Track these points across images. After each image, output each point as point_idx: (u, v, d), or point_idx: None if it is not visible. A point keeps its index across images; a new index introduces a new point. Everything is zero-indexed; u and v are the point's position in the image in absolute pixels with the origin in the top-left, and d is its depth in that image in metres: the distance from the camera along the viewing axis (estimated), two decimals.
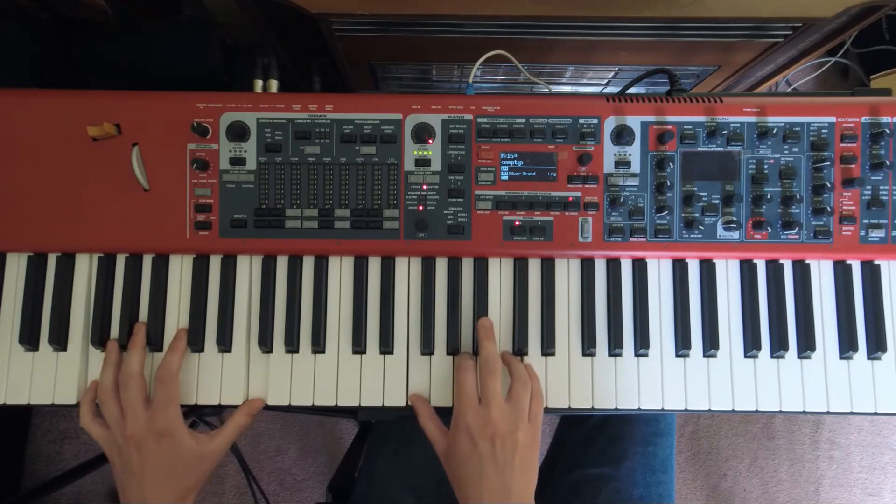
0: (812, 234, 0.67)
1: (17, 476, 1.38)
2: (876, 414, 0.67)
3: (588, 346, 0.67)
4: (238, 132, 0.66)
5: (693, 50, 0.82)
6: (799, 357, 0.68)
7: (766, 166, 0.67)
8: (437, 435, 0.64)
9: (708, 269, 0.68)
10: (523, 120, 0.67)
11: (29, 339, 0.66)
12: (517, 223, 0.67)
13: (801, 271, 0.68)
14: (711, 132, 0.67)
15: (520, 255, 0.68)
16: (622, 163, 0.67)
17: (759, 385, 0.67)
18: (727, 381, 0.67)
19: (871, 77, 1.39)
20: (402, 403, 0.67)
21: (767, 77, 0.96)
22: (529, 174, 0.67)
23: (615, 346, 0.67)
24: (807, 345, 0.67)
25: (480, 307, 0.68)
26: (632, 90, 0.83)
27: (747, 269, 0.68)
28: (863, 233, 0.67)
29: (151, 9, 0.86)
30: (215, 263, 0.68)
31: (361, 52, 0.84)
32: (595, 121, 0.67)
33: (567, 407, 0.67)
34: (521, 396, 0.62)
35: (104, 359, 0.66)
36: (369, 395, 0.67)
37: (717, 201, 0.67)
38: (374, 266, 0.69)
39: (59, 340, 0.67)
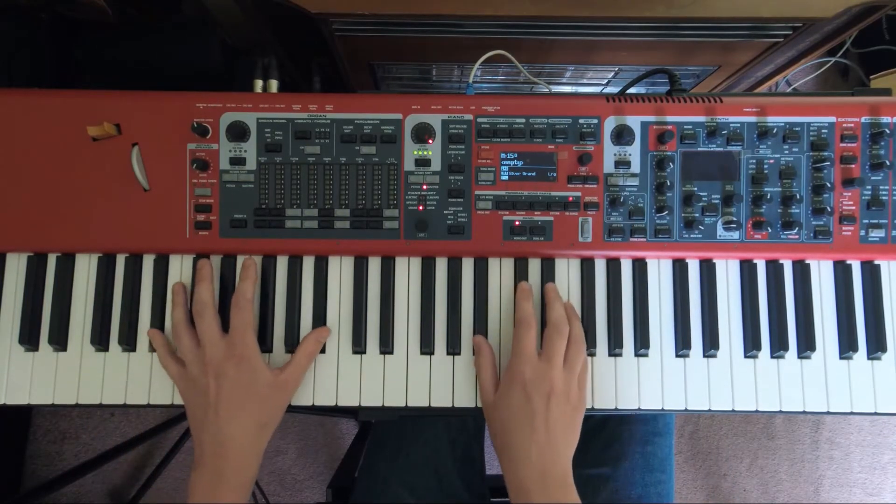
0: (812, 234, 0.67)
1: (17, 476, 1.38)
2: (876, 414, 0.67)
3: (588, 347, 0.67)
4: (238, 132, 0.66)
5: (693, 50, 0.82)
6: (799, 357, 0.68)
7: (766, 166, 0.67)
8: (489, 384, 0.64)
9: (708, 269, 0.68)
10: (523, 120, 0.67)
11: (29, 339, 0.66)
12: (517, 223, 0.67)
13: (801, 271, 0.68)
14: (711, 132, 0.67)
15: (520, 255, 0.68)
16: (622, 163, 0.67)
17: (759, 385, 0.67)
18: (727, 381, 0.67)
19: (871, 77, 1.39)
20: (402, 403, 0.67)
21: (767, 77, 0.96)
22: (529, 174, 0.67)
23: (615, 346, 0.67)
24: (807, 345, 0.67)
25: (480, 307, 0.68)
26: (632, 90, 0.83)
27: (747, 269, 0.68)
28: (863, 233, 0.67)
29: (151, 9, 0.86)
30: (215, 263, 0.68)
31: (361, 52, 0.84)
32: (595, 121, 0.67)
33: None
34: (576, 360, 0.63)
35: (172, 299, 0.66)
36: (369, 395, 0.67)
37: (717, 201, 0.67)
38: (374, 266, 0.69)
39: (59, 340, 0.67)
